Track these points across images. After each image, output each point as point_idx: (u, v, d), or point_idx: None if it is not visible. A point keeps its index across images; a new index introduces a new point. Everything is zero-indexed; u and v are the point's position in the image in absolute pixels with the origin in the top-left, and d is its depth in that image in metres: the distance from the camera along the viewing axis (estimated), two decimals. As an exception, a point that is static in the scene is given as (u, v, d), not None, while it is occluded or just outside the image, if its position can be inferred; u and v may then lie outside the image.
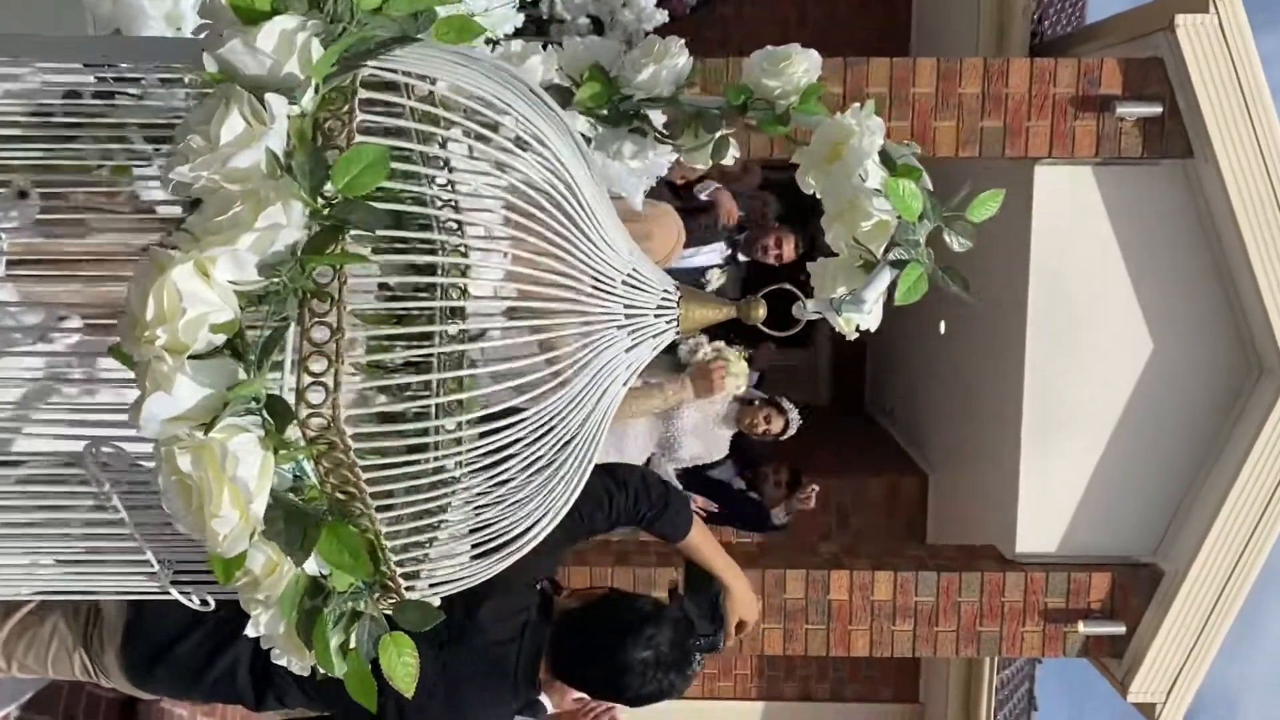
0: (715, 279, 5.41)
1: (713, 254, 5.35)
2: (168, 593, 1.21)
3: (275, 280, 0.97)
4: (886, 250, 1.35)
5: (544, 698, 3.20)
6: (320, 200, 1.01)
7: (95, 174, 1.54)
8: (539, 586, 2.28)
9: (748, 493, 5.37)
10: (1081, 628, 4.81)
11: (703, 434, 4.92)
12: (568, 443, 1.20)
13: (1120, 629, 4.80)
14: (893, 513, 6.49)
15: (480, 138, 1.14)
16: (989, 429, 5.55)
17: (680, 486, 4.96)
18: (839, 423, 7.79)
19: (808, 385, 8.69)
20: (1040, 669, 8.46)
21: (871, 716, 6.81)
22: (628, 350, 1.25)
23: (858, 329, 1.39)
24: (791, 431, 5.05)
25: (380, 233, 1.06)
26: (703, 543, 2.52)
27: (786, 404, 5.05)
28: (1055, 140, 4.61)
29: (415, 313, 1.37)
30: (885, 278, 1.34)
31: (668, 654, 2.18)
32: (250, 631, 1.11)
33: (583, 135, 1.94)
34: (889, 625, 4.85)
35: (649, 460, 4.94)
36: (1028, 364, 4.97)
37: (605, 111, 1.89)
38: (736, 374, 5.04)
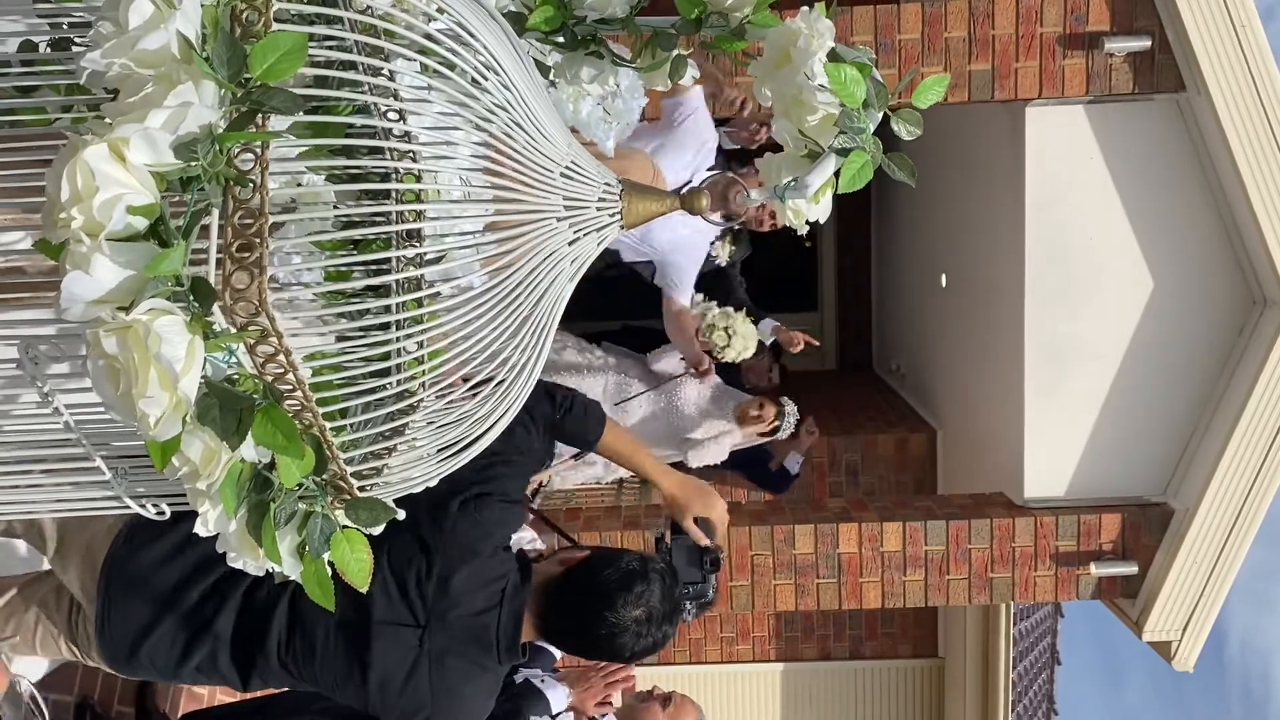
0: (724, 253, 5.41)
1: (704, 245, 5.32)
2: (125, 504, 1.21)
3: (193, 164, 0.97)
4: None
5: (553, 646, 3.21)
6: (240, 89, 1.02)
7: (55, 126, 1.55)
8: (513, 550, 2.27)
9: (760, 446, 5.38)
10: (1094, 569, 4.80)
11: (703, 406, 4.93)
12: (514, 333, 1.20)
13: (1133, 569, 4.78)
14: (902, 469, 6.47)
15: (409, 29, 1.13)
16: (994, 378, 5.53)
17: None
18: (847, 384, 7.77)
19: (816, 350, 8.68)
20: (1063, 623, 8.44)
21: (891, 673, 6.81)
22: (570, 244, 1.25)
23: (806, 221, 1.39)
24: (785, 432, 5.05)
25: (310, 118, 1.06)
26: (621, 443, 2.50)
27: (789, 403, 5.05)
28: (1045, 80, 4.58)
29: (368, 222, 1.37)
30: (830, 164, 1.33)
31: (659, 608, 2.18)
32: (200, 530, 1.12)
33: (541, 63, 1.94)
34: (900, 576, 4.84)
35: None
36: (1027, 309, 4.95)
37: (561, 38, 1.89)
38: (744, 337, 5.05)
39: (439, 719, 2.18)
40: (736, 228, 5.57)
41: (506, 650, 2.18)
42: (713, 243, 5.14)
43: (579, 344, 5.05)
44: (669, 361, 5.05)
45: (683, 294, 4.54)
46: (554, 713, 3.00)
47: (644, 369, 5.04)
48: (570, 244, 1.25)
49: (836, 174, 1.37)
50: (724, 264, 5.43)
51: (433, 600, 2.13)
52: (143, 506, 1.22)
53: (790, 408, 5.06)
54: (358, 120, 1.18)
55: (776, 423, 5.00)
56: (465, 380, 1.23)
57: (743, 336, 4.95)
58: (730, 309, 4.99)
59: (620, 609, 2.14)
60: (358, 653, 2.12)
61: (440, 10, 1.20)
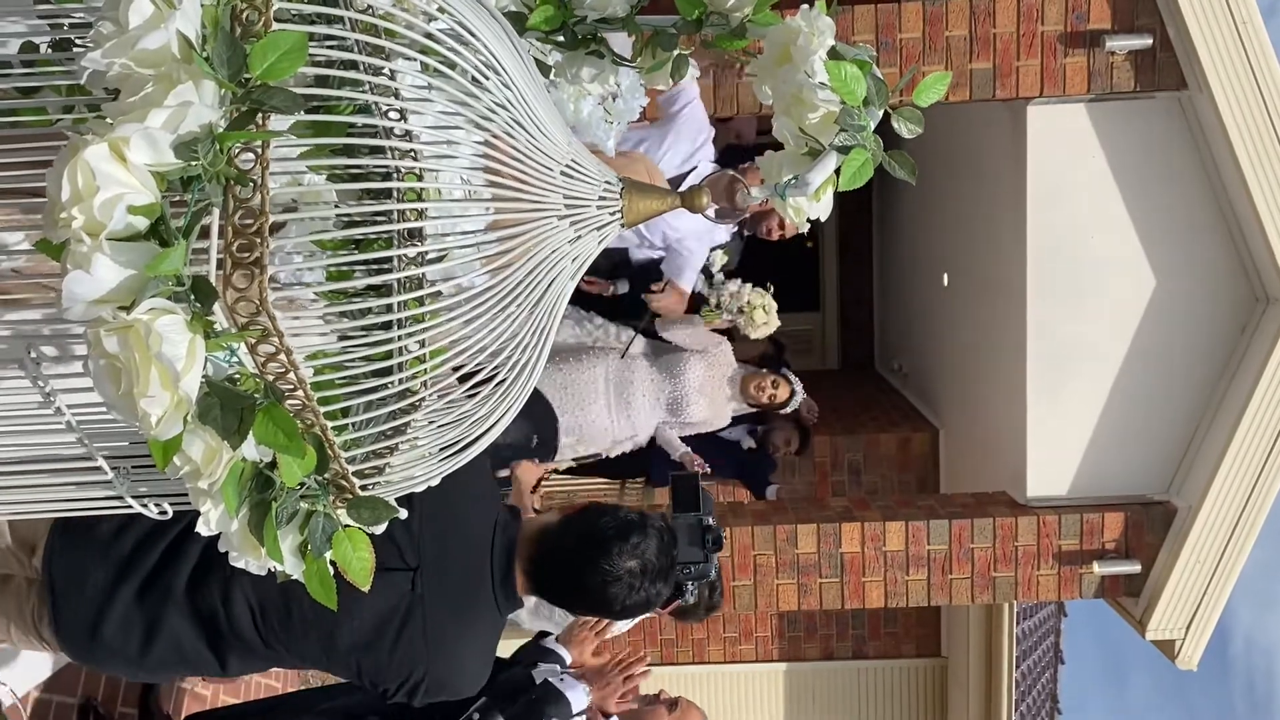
0: (718, 260, 5.41)
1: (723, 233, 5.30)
2: (127, 503, 1.21)
3: (194, 163, 0.97)
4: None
5: (562, 649, 3.20)
6: (240, 88, 1.02)
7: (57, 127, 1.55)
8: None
9: (756, 450, 5.38)
10: (1097, 568, 4.79)
11: (709, 393, 4.91)
12: (512, 336, 1.20)
13: (1135, 567, 4.77)
14: (905, 468, 6.47)
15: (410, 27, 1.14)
16: (996, 377, 5.52)
17: (689, 448, 4.99)
18: (849, 384, 7.77)
19: (817, 349, 8.68)
20: (1066, 622, 8.44)
21: (895, 673, 6.81)
22: (571, 242, 1.25)
23: (808, 220, 1.39)
24: (796, 403, 5.05)
25: (313, 117, 1.06)
26: None
27: (794, 377, 5.06)
28: (1046, 79, 4.57)
29: (371, 225, 1.37)
30: (831, 162, 1.33)
31: (655, 562, 2.14)
32: (201, 529, 1.12)
33: (542, 63, 1.94)
34: (902, 575, 4.84)
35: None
36: (1029, 308, 4.95)
37: (561, 37, 1.88)
38: (767, 312, 5.02)
39: (435, 674, 2.11)
40: (733, 231, 5.55)
41: (501, 584, 2.14)
42: (715, 249, 5.13)
43: (575, 312, 4.96)
44: (680, 333, 4.97)
45: (687, 282, 4.57)
46: (575, 712, 2.97)
47: (647, 342, 4.96)
48: (571, 242, 1.25)
49: (838, 172, 1.37)
50: (723, 265, 5.41)
51: (422, 535, 2.07)
52: (145, 506, 1.22)
53: (799, 386, 5.06)
54: (359, 120, 1.18)
55: (782, 399, 5.00)
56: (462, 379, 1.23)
57: (774, 311, 5.00)
58: (752, 286, 4.96)
59: (615, 558, 2.11)
60: (346, 605, 2.03)
61: (441, 10, 1.20)
